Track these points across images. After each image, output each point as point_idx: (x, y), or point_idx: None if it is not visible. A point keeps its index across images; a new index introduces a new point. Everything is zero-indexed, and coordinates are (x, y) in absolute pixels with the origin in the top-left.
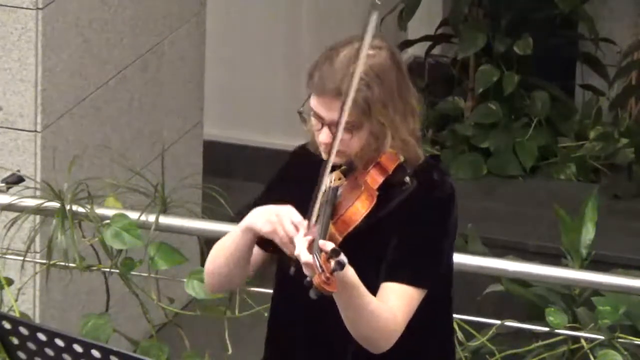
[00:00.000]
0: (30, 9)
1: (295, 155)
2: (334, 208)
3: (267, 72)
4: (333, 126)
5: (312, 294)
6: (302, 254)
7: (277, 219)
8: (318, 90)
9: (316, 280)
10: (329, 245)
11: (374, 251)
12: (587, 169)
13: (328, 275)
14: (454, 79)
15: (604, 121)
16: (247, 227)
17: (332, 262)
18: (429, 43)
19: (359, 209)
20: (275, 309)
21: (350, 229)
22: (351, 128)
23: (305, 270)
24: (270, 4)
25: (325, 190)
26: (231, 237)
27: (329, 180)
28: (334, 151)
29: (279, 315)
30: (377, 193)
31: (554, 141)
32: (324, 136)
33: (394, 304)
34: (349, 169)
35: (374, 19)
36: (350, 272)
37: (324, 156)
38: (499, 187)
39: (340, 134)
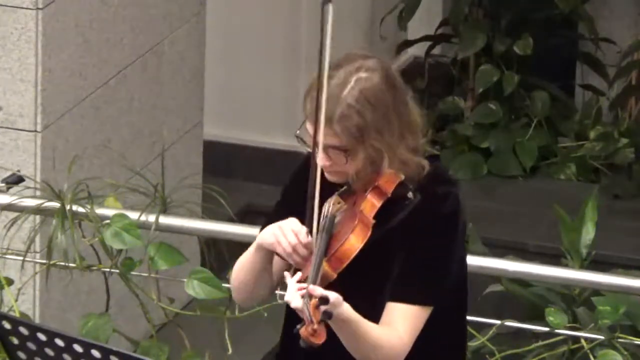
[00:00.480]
0: (30, 9)
1: (307, 159)
2: (329, 241)
3: (267, 72)
4: (330, 149)
5: (302, 344)
6: (293, 299)
7: (279, 230)
8: (310, 117)
9: (303, 332)
10: (318, 291)
11: (379, 267)
12: (587, 169)
13: (315, 327)
14: (454, 79)
15: (604, 121)
16: (258, 244)
17: (320, 311)
18: (429, 43)
19: (353, 244)
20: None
21: (345, 265)
22: (345, 152)
23: (300, 314)
24: (270, 4)
25: (323, 217)
26: (248, 253)
27: (327, 206)
28: (316, 180)
29: (289, 314)
30: (373, 222)
31: (554, 141)
32: (320, 160)
33: (400, 325)
34: (349, 191)
35: (329, 13)
36: (344, 308)
37: (327, 176)
38: (499, 187)
39: (320, 160)
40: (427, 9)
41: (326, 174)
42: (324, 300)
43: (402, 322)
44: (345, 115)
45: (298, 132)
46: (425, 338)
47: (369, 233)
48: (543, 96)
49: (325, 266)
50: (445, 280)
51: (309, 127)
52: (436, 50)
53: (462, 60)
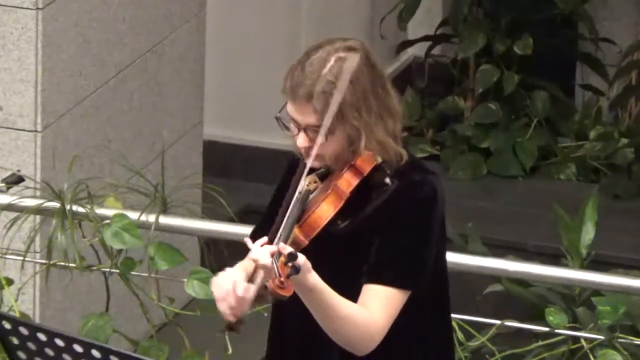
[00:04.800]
0: (30, 9)
1: (292, 161)
2: (302, 212)
3: (267, 72)
4: (309, 130)
5: (269, 299)
6: (261, 257)
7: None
8: (291, 96)
9: (270, 284)
10: (287, 249)
11: (357, 253)
12: (587, 169)
13: (282, 279)
14: (454, 79)
15: (604, 121)
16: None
17: (288, 267)
18: (429, 43)
19: (324, 211)
20: (274, 307)
21: (316, 232)
22: (325, 132)
23: (265, 274)
24: (270, 4)
25: (298, 193)
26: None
27: (303, 184)
28: (312, 155)
29: (276, 314)
30: (347, 195)
31: (554, 141)
32: (300, 140)
33: (374, 306)
34: (327, 173)
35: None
36: (312, 276)
37: (305, 160)
38: (499, 187)
39: (317, 146)
40: (427, 9)
41: (306, 159)
42: (292, 256)
43: (376, 303)
44: (326, 92)
45: (278, 114)
46: (409, 332)
47: (341, 204)
48: (543, 96)
49: (297, 232)
50: (422, 265)
51: (289, 106)
52: (436, 50)
53: (462, 60)
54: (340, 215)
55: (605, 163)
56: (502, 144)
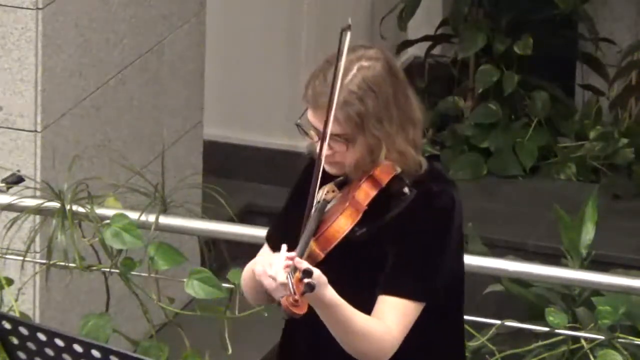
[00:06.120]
0: (30, 9)
1: (309, 164)
2: (320, 223)
3: (267, 73)
4: (331, 138)
5: (283, 315)
6: (279, 274)
7: (267, 265)
8: (312, 104)
9: (284, 302)
10: (303, 265)
11: (373, 262)
12: (587, 169)
13: (297, 297)
14: (454, 79)
15: (604, 121)
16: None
17: (303, 283)
18: (429, 43)
19: (341, 225)
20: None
21: (333, 245)
22: (346, 141)
23: (284, 290)
24: (270, 4)
25: (316, 202)
26: (252, 265)
27: (321, 193)
28: (321, 164)
29: (287, 322)
30: (365, 208)
31: (554, 141)
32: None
33: (389, 318)
34: (345, 182)
35: (347, 40)
36: (328, 292)
37: (327, 168)
38: (499, 187)
39: (325, 148)
40: (427, 9)
41: (325, 166)
42: (308, 273)
43: (391, 314)
44: (348, 102)
45: (299, 120)
46: (423, 338)
47: (359, 217)
48: (543, 96)
49: (313, 245)
50: (437, 277)
51: (310, 114)
52: (436, 50)
53: (462, 60)
54: (357, 222)
55: (605, 163)
56: (502, 144)
